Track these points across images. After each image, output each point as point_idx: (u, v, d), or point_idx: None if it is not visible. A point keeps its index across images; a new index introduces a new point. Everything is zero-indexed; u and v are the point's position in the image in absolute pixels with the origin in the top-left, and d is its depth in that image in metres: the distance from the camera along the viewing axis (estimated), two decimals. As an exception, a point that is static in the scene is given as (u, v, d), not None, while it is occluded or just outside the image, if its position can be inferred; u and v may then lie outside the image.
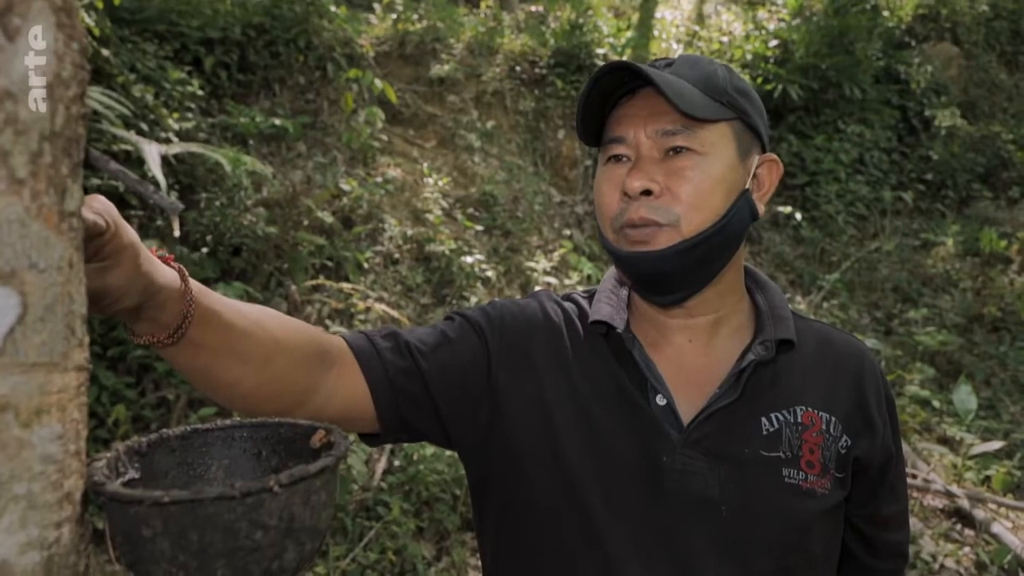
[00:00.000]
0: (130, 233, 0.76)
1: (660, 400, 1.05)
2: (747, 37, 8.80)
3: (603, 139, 1.08)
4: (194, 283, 0.85)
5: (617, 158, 1.06)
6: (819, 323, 1.19)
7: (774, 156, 1.11)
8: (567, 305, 1.18)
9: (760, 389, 1.07)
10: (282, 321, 0.97)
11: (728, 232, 1.03)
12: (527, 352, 1.12)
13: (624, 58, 7.51)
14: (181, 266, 0.85)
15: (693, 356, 1.10)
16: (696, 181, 1.00)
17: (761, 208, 1.09)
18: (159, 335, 0.84)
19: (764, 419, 1.05)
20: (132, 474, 0.67)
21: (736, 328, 1.12)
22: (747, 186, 1.06)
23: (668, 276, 1.03)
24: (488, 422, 1.09)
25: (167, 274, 0.82)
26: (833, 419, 1.07)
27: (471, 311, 1.17)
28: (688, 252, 1.00)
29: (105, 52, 4.45)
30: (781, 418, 1.05)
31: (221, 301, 0.90)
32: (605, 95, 1.05)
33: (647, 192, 1.00)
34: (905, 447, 4.56)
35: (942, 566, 3.61)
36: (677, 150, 1.02)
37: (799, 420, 1.06)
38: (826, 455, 1.05)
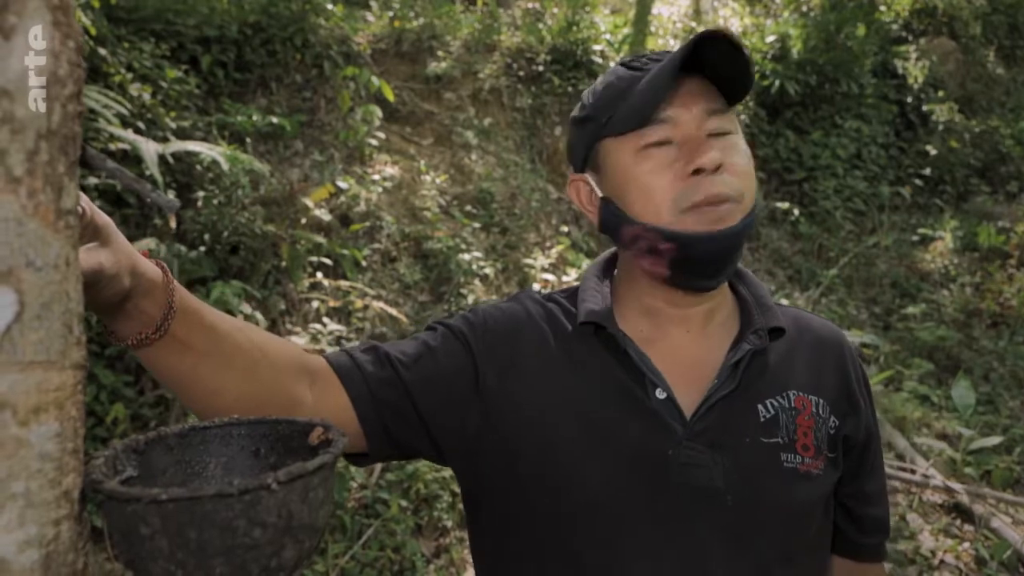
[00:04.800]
0: (103, 215, 0.77)
1: (660, 394, 1.04)
2: (744, 33, 8.80)
3: (636, 123, 1.04)
4: (175, 281, 0.86)
5: (659, 142, 1.03)
6: (793, 308, 1.21)
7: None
8: (550, 305, 1.17)
9: (753, 377, 1.07)
10: (262, 332, 0.97)
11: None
12: (514, 355, 1.11)
13: (620, 55, 7.52)
14: (160, 260, 0.85)
15: (688, 348, 1.10)
16: (742, 157, 1.03)
17: None
18: (145, 330, 0.83)
19: (760, 406, 1.06)
20: (130, 472, 0.67)
21: (725, 318, 1.13)
22: None
23: (729, 255, 1.04)
24: (478, 430, 1.08)
25: (148, 263, 0.83)
26: (822, 401, 1.09)
27: (453, 320, 1.15)
28: (748, 228, 1.03)
29: (102, 51, 4.44)
30: (776, 404, 1.06)
31: (201, 303, 0.90)
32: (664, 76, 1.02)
33: (718, 167, 1.01)
34: (905, 443, 4.57)
35: (942, 561, 3.62)
36: (718, 132, 1.03)
37: (792, 405, 1.07)
38: (818, 437, 1.07)
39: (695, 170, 1.00)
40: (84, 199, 0.71)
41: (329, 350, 1.07)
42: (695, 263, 1.04)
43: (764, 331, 1.08)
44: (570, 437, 1.04)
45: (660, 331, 1.11)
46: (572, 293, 1.19)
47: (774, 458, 1.03)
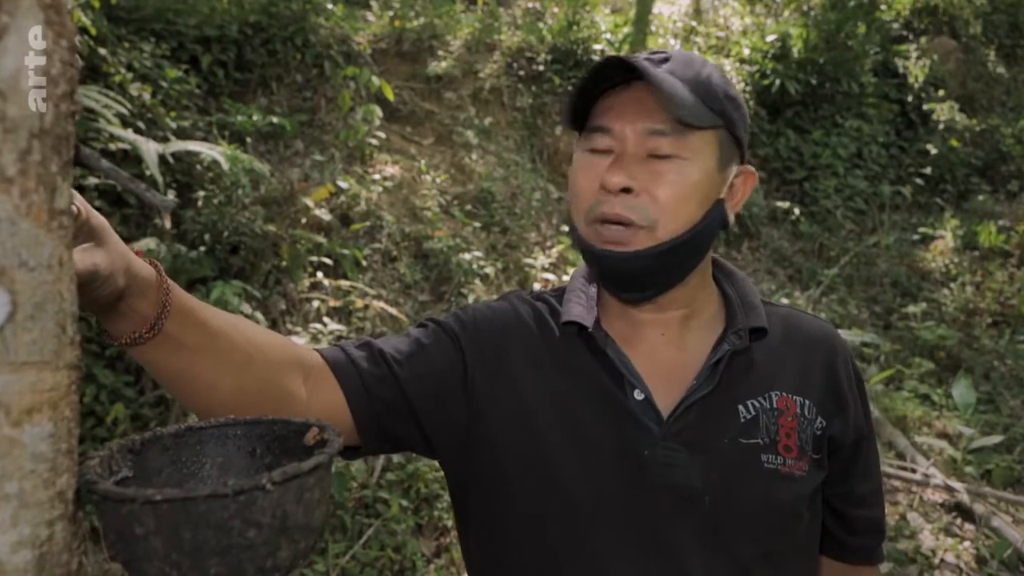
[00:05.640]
0: (98, 215, 0.77)
1: (638, 395, 1.05)
2: (744, 32, 8.80)
3: (587, 126, 1.07)
4: (168, 280, 0.86)
5: (599, 148, 1.04)
6: (785, 307, 1.20)
7: (751, 168, 1.12)
8: (538, 305, 1.18)
9: (735, 378, 1.07)
10: (256, 328, 0.98)
11: (699, 240, 1.03)
12: (502, 354, 1.11)
13: (621, 54, 7.44)
14: (153, 260, 0.86)
15: (667, 350, 1.10)
16: (676, 186, 1.00)
17: (731, 217, 1.09)
18: (139, 329, 0.83)
19: (741, 407, 1.06)
20: (125, 472, 0.67)
21: (707, 320, 1.12)
22: (722, 195, 1.06)
23: (638, 276, 1.03)
24: (466, 427, 1.09)
25: (141, 262, 0.83)
26: (807, 402, 1.08)
27: (444, 318, 1.16)
28: (658, 256, 1.00)
29: (102, 51, 4.44)
30: (757, 405, 1.06)
31: (196, 300, 0.90)
32: (593, 86, 1.04)
33: (626, 190, 1.00)
34: (905, 442, 4.57)
35: (942, 561, 3.62)
36: (658, 154, 1.00)
37: (774, 405, 1.06)
38: (802, 438, 1.06)
39: (603, 186, 1.01)
40: (79, 199, 0.71)
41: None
42: (605, 274, 1.06)
43: (745, 331, 1.08)
44: (550, 437, 1.05)
45: (637, 333, 1.11)
46: (562, 292, 1.19)
47: (754, 459, 1.03)
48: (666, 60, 1.05)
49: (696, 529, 1.00)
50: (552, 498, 1.03)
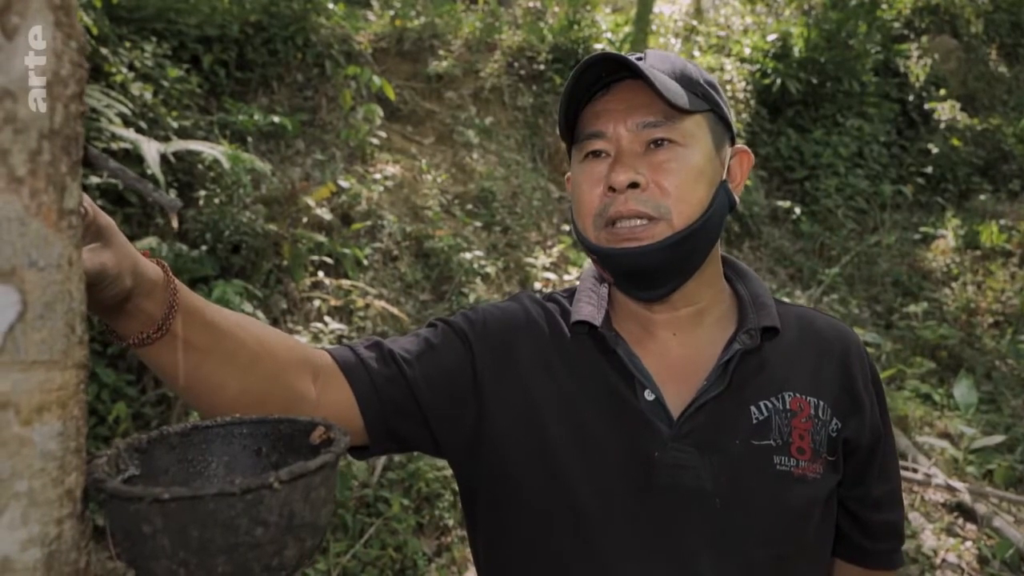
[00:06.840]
0: (105, 216, 0.77)
1: (648, 395, 1.04)
2: (745, 31, 8.80)
3: (578, 135, 1.07)
4: (176, 280, 0.86)
5: (596, 154, 1.05)
6: (800, 307, 1.19)
7: (744, 147, 1.12)
8: (549, 305, 1.17)
9: (747, 378, 1.06)
10: (264, 327, 0.98)
11: (712, 223, 1.03)
12: (511, 354, 1.11)
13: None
14: (160, 260, 0.86)
15: (678, 349, 1.09)
16: (681, 173, 1.00)
17: (737, 198, 1.10)
18: (147, 330, 0.83)
19: (753, 408, 1.05)
20: (132, 471, 0.67)
21: (718, 318, 1.12)
22: (724, 177, 1.07)
23: (657, 271, 1.02)
24: (475, 427, 1.09)
25: (148, 263, 0.83)
26: (821, 403, 1.07)
27: (453, 317, 1.16)
28: (677, 245, 1.00)
29: (104, 50, 4.44)
30: (770, 405, 1.05)
31: (203, 300, 0.90)
32: (579, 91, 1.04)
33: (634, 185, 1.00)
34: (907, 442, 4.57)
35: (944, 560, 3.62)
36: (659, 143, 1.01)
37: (787, 406, 1.05)
38: (816, 440, 1.05)
39: (610, 187, 1.01)
40: (87, 200, 0.72)
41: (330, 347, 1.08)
42: (622, 276, 1.06)
43: (756, 330, 1.07)
44: (558, 438, 1.05)
45: (648, 333, 1.11)
46: (572, 293, 1.19)
47: (766, 461, 1.02)
48: (641, 59, 1.05)
49: (706, 531, 0.99)
50: (558, 499, 1.03)
